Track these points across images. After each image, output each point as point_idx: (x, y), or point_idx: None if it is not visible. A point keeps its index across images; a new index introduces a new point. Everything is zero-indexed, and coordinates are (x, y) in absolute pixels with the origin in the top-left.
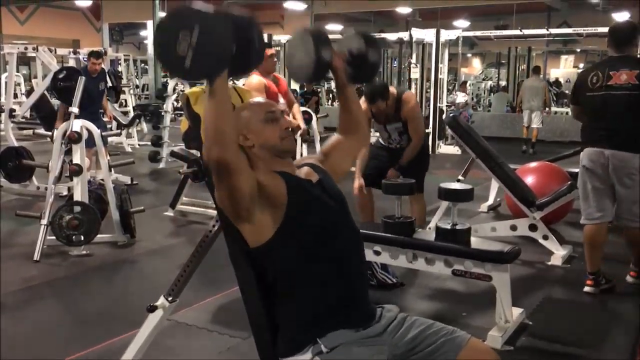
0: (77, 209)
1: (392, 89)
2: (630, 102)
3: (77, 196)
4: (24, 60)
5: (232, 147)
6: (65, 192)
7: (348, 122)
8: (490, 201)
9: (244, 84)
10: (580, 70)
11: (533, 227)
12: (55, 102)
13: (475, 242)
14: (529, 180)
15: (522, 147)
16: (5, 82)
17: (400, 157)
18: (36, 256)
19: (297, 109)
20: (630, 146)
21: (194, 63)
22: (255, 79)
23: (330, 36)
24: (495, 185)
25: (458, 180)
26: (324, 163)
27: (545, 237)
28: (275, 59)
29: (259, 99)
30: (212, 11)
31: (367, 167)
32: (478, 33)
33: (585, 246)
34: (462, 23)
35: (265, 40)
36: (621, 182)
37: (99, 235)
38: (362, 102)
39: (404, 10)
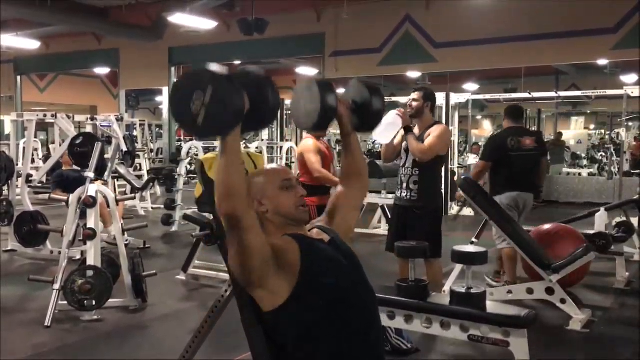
0: (90, 273)
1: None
2: (534, 160)
3: (90, 260)
4: (42, 126)
5: (242, 203)
6: (78, 256)
7: (350, 169)
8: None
9: (300, 146)
10: (492, 134)
11: (550, 291)
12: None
13: (491, 306)
14: (544, 242)
15: None
16: (24, 148)
17: (410, 217)
18: (47, 322)
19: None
20: (532, 189)
21: (206, 121)
22: (310, 142)
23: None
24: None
25: (471, 243)
26: (330, 224)
27: (563, 301)
28: None
29: (274, 165)
30: (226, 73)
31: (389, 234)
32: (488, 96)
33: (507, 264)
34: (471, 86)
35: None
36: (524, 214)
37: (110, 300)
38: (400, 135)
39: (413, 74)
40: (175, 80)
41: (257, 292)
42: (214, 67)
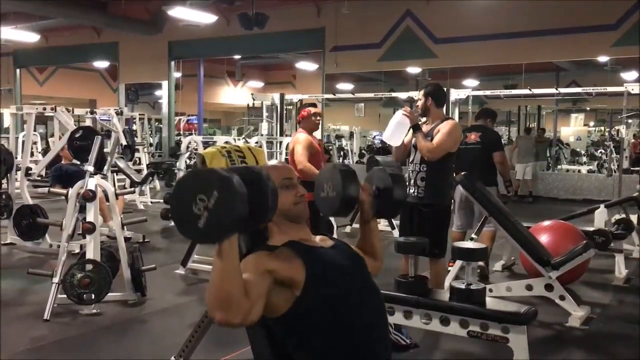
0: (89, 267)
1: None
2: (476, 153)
3: (90, 254)
4: (42, 120)
5: (235, 308)
6: (77, 250)
7: (367, 251)
8: (505, 260)
9: (293, 140)
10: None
11: (549, 287)
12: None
13: (490, 302)
14: (543, 239)
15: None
16: (23, 141)
17: (416, 214)
18: (46, 315)
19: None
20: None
21: (207, 225)
22: (303, 136)
23: (341, 96)
24: (509, 243)
25: (471, 239)
26: None
27: (562, 298)
28: (319, 118)
29: (274, 162)
30: (232, 176)
31: (400, 232)
32: (488, 92)
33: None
34: (471, 82)
35: (277, 99)
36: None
37: (109, 294)
38: (410, 133)
39: (414, 70)
40: (175, 77)
41: None
42: (220, 170)
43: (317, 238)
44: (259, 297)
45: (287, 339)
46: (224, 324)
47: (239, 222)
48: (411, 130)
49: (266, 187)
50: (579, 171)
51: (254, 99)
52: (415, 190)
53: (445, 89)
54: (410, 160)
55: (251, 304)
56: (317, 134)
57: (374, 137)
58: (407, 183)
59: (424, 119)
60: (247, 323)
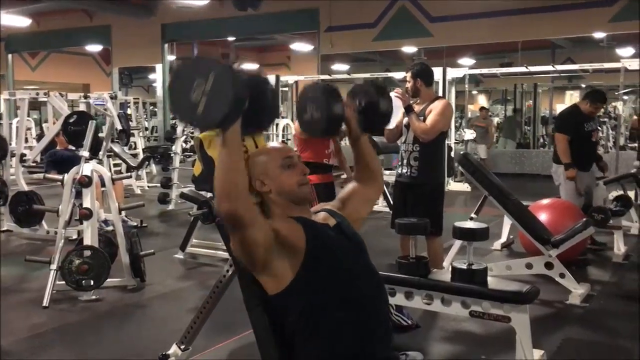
0: (87, 253)
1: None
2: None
3: (87, 240)
4: (35, 105)
5: (243, 200)
6: (75, 236)
7: (363, 172)
8: (504, 239)
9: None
10: None
11: (549, 265)
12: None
13: (492, 282)
14: (543, 217)
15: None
16: (17, 127)
17: (410, 194)
18: (45, 302)
19: None
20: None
21: (207, 109)
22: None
23: (337, 76)
24: (507, 222)
25: (471, 218)
26: (342, 210)
27: (562, 276)
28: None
29: (275, 144)
30: (227, 63)
31: (394, 212)
32: (484, 71)
33: None
34: (467, 61)
35: (272, 81)
36: None
37: (108, 279)
38: (400, 114)
39: (409, 49)
40: (169, 60)
41: (262, 277)
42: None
43: (320, 215)
44: (265, 222)
45: (288, 316)
46: (230, 213)
47: (239, 105)
48: (403, 112)
49: (264, 83)
50: None
51: None
52: (409, 170)
53: (442, 68)
54: (403, 141)
55: (255, 210)
56: None
57: None
58: (400, 163)
59: (415, 99)
60: (251, 221)
